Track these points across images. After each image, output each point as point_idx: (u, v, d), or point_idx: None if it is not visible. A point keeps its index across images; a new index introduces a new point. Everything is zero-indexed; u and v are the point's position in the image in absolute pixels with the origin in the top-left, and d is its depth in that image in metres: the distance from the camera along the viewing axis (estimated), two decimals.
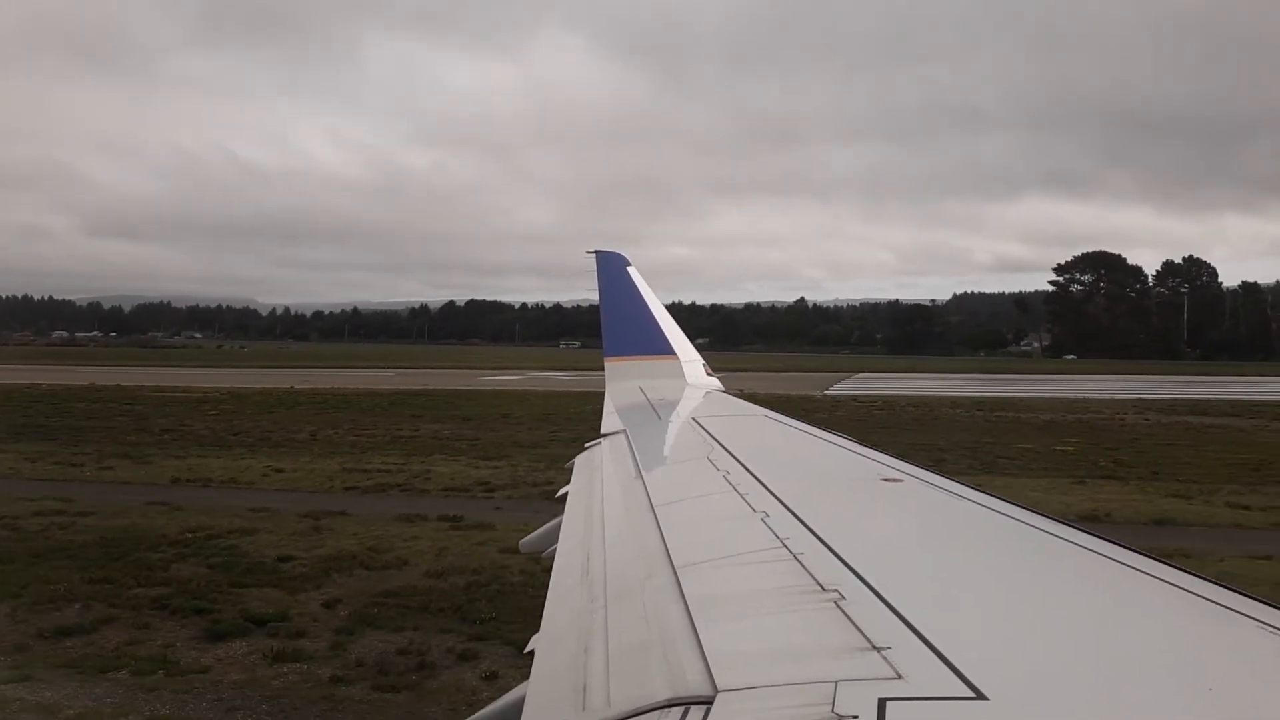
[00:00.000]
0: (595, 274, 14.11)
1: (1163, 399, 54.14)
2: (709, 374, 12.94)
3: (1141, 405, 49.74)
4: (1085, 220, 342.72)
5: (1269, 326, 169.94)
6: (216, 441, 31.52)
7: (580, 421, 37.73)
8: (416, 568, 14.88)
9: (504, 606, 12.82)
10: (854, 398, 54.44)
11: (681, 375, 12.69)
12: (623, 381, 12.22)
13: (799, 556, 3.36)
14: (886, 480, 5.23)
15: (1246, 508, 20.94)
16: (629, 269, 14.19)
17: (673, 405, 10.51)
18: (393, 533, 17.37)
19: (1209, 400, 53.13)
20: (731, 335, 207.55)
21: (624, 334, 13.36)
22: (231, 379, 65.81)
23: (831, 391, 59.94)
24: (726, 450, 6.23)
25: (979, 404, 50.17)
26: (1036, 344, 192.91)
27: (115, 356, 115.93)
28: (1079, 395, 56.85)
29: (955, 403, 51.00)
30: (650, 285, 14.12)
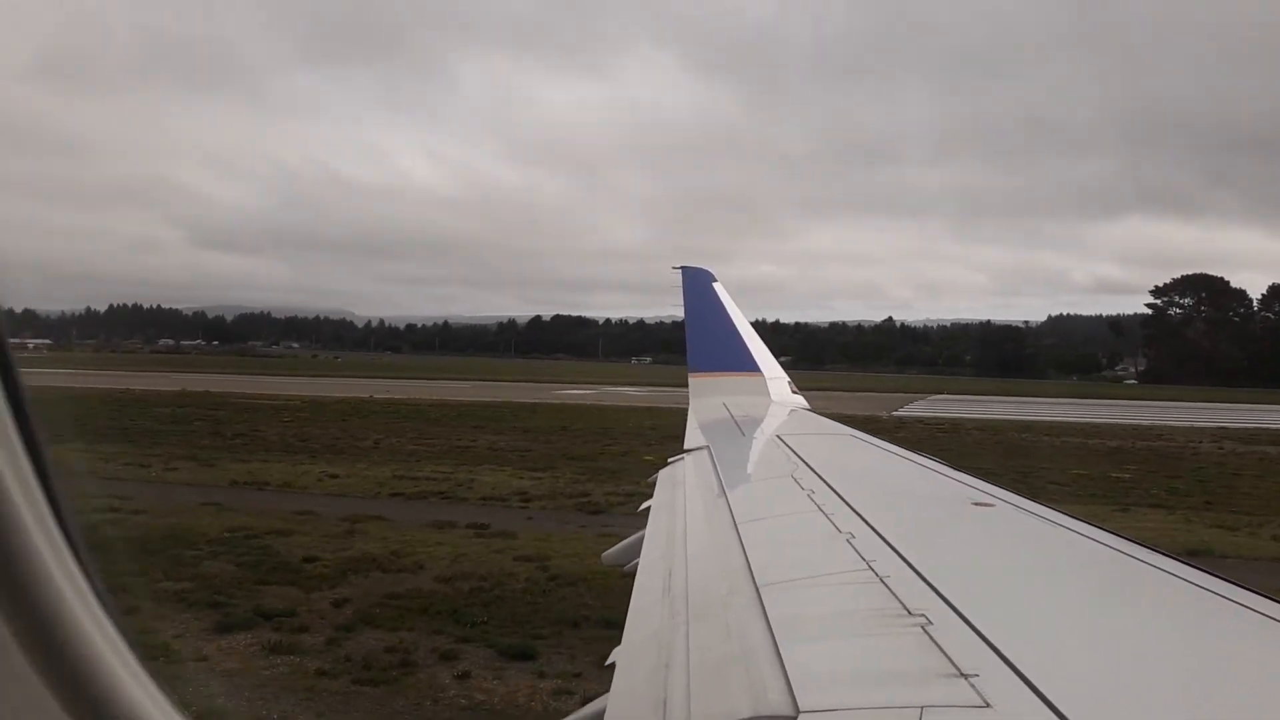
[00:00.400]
0: (681, 290, 14.23)
1: (1249, 428, 52.21)
2: (794, 391, 12.89)
3: (1223, 434, 48.11)
4: (1189, 241, 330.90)
5: None
6: (284, 447, 32.91)
7: (635, 436, 38.40)
8: (430, 572, 15.53)
9: (498, 612, 13.34)
10: (921, 420, 53.84)
11: (766, 392, 12.65)
12: (707, 398, 12.23)
13: (885, 579, 3.31)
14: (977, 504, 5.12)
15: None
16: (715, 285, 14.30)
17: (757, 422, 10.51)
18: (419, 538, 18.08)
19: None
20: (815, 354, 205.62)
21: (709, 350, 13.45)
22: (317, 388, 68.07)
23: (901, 413, 59.28)
24: (812, 469, 6.15)
25: (1049, 429, 49.14)
26: (1132, 369, 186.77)
27: (213, 364, 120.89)
28: (1158, 422, 55.21)
29: (1025, 427, 50.03)
30: (736, 302, 14.16)
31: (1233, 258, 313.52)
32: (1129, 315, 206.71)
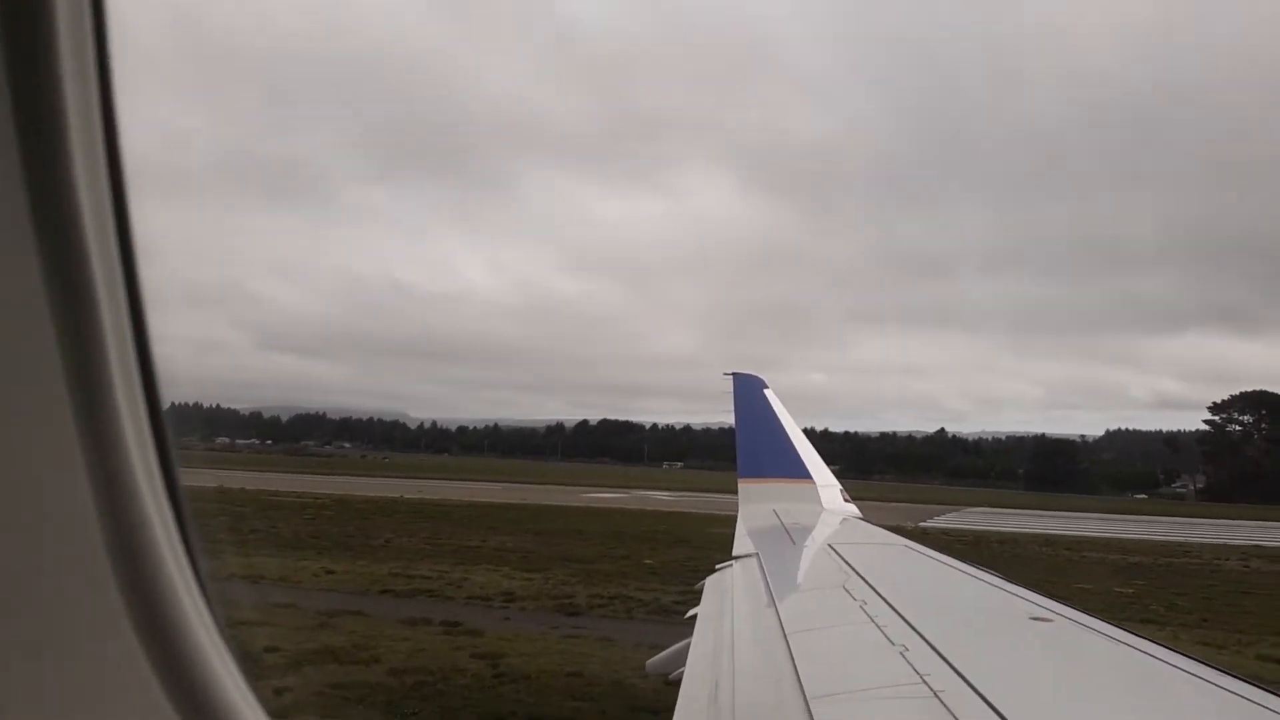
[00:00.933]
0: (731, 396, 14.18)
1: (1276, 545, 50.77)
2: (846, 500, 12.85)
3: (1255, 552, 46.83)
4: (1249, 358, 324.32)
5: None
6: (294, 544, 33.64)
7: (643, 540, 38.67)
8: (383, 665, 15.99)
9: (432, 705, 13.75)
10: (946, 530, 53.16)
11: (818, 500, 12.55)
12: (757, 504, 12.20)
13: (939, 694, 3.24)
14: (1035, 619, 5.00)
15: (1277, 660, 19.95)
16: (766, 391, 14.26)
17: (807, 530, 10.31)
18: (387, 634, 18.56)
19: None
20: (862, 463, 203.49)
21: (759, 455, 13.39)
22: (352, 487, 69.16)
23: (928, 523, 58.56)
24: (863, 579, 6.05)
25: (1073, 543, 48.28)
26: (1190, 486, 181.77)
27: (259, 463, 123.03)
28: (1192, 539, 53.83)
29: (1049, 540, 49.21)
30: (786, 409, 14.11)
31: None
32: (1187, 431, 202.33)
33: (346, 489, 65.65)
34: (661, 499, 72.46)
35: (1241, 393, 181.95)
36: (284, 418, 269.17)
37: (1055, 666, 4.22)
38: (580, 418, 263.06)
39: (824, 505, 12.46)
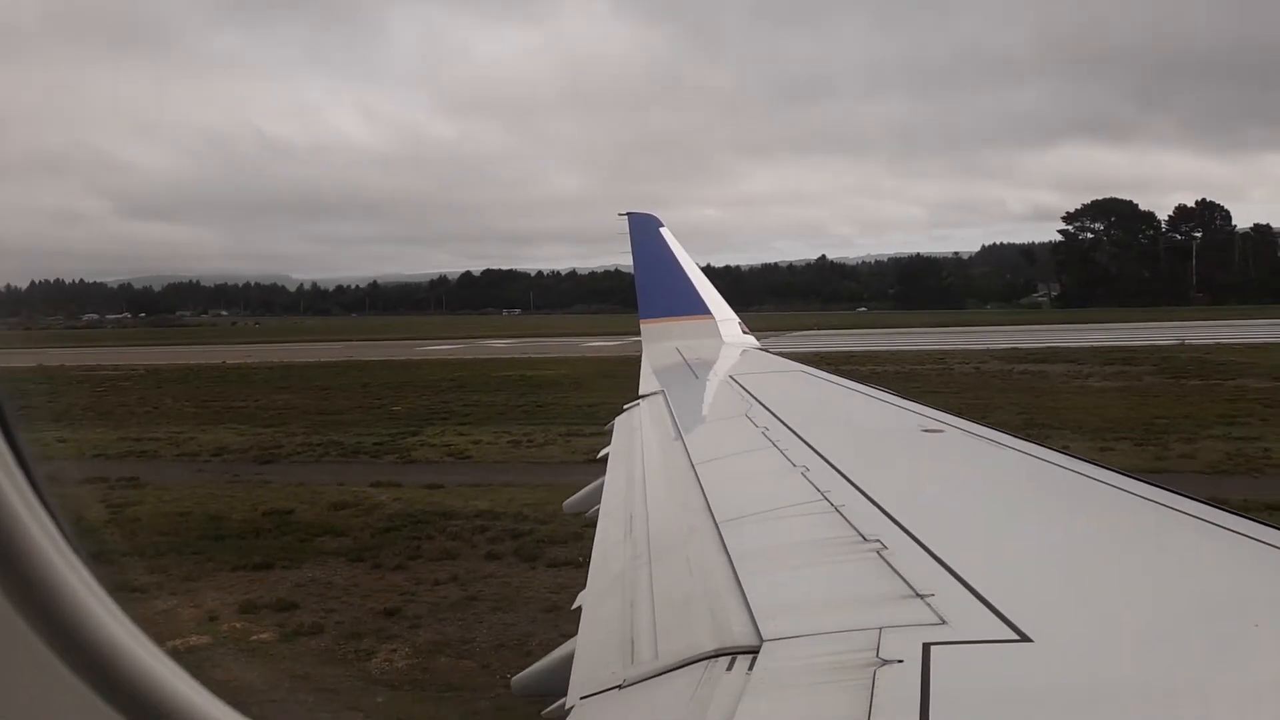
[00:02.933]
0: (628, 237, 14.03)
1: (1046, 348, 54.71)
2: (745, 332, 13.01)
3: (1007, 355, 50.37)
4: (1120, 165, 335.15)
5: (1279, 268, 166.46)
6: (56, 416, 34.20)
7: (419, 389, 40.06)
8: None
9: None
10: None
11: (718, 334, 12.72)
12: (659, 343, 12.39)
13: (840, 509, 3.40)
14: (927, 431, 5.22)
15: None
16: (662, 230, 14.13)
17: (709, 364, 10.52)
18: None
19: (1100, 348, 53.44)
20: (743, 295, 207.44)
21: (658, 295, 13.43)
22: (184, 355, 68.77)
23: None
24: (765, 407, 6.24)
25: (850, 358, 51.31)
26: (1046, 294, 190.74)
27: (120, 337, 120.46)
28: (967, 347, 57.49)
29: (849, 357, 52.28)
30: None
31: (1162, 180, 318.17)
32: (1041, 242, 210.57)
33: (174, 358, 65.32)
34: (496, 346, 73.93)
35: (1093, 201, 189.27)
36: (157, 288, 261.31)
37: (944, 473, 4.46)
38: (469, 269, 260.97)
39: (724, 339, 12.68)
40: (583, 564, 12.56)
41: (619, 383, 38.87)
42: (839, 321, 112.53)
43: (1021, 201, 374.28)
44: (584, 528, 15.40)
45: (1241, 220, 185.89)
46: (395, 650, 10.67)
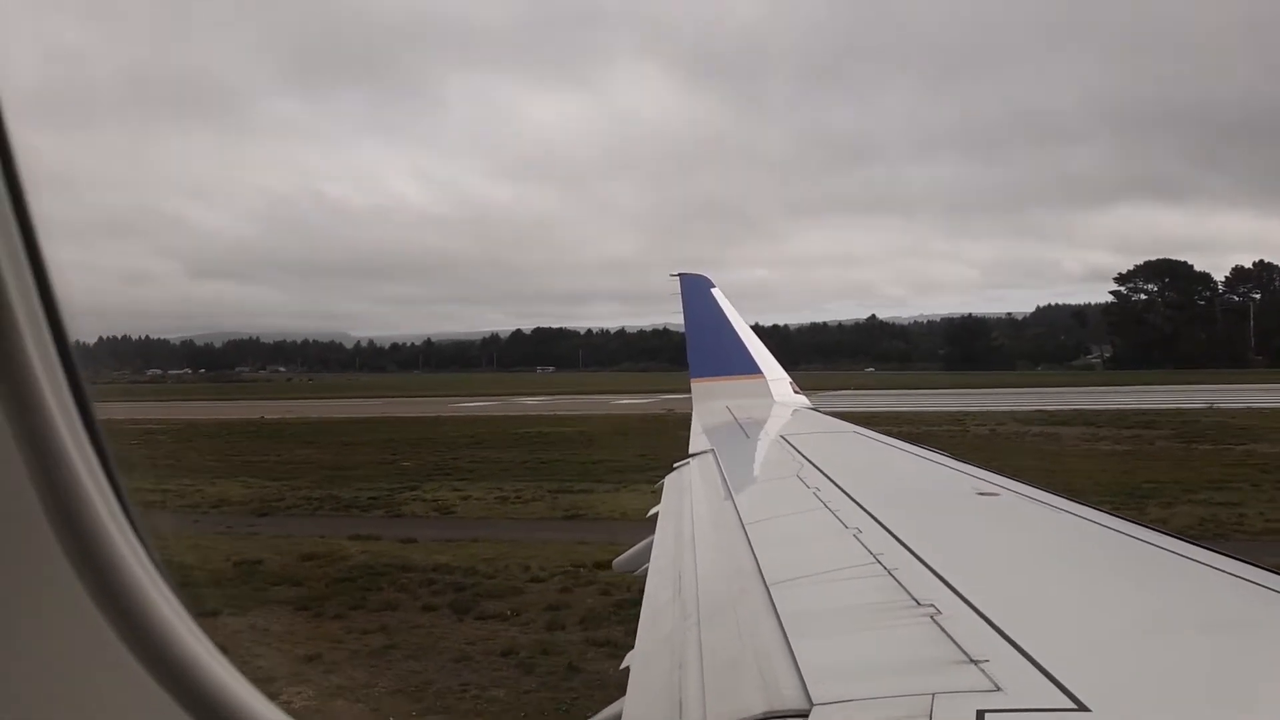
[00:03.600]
0: (679, 297, 14.21)
1: (1074, 409, 54.23)
2: (796, 392, 13.15)
3: (1036, 418, 50.08)
4: (1177, 226, 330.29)
5: None
6: None
7: (439, 446, 40.97)
8: None
9: None
10: None
11: (769, 394, 12.81)
12: (710, 401, 12.45)
13: (893, 572, 3.35)
14: (982, 494, 5.17)
15: None
16: (713, 290, 14.27)
17: (760, 424, 10.56)
18: None
19: (1127, 410, 52.91)
20: (791, 354, 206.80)
21: (709, 355, 13.54)
22: (231, 410, 70.67)
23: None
24: (816, 467, 6.25)
25: (871, 418, 51.27)
26: (1100, 357, 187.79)
27: (175, 392, 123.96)
28: (993, 409, 57.16)
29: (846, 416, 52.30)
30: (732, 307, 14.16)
31: (1221, 241, 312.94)
32: (1095, 304, 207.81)
33: (215, 412, 67.16)
34: (529, 404, 75.04)
35: (1146, 262, 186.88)
36: (218, 344, 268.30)
37: (999, 537, 4.41)
38: (520, 327, 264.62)
39: (775, 398, 12.72)
40: (510, 617, 13.08)
41: (631, 439, 39.82)
42: (876, 382, 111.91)
43: (1078, 262, 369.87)
44: (528, 582, 16.11)
45: None
46: (300, 692, 11.32)
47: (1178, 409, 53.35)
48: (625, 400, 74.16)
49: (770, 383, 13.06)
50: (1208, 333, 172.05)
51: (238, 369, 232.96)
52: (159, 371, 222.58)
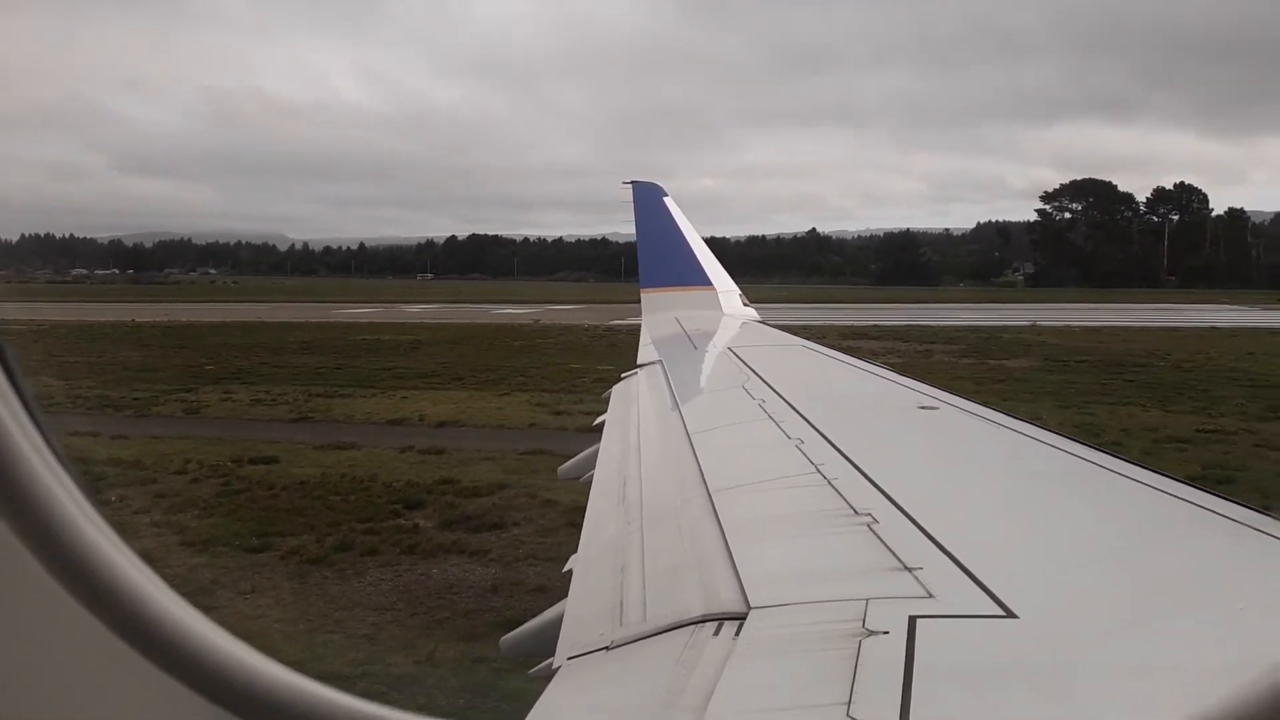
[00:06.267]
0: (630, 205, 13.98)
1: (911, 325, 56.46)
2: (745, 304, 13.14)
3: (854, 333, 51.96)
4: (1123, 144, 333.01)
5: (1249, 254, 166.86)
6: None
7: (267, 351, 42.15)
8: None
9: None
10: (618, 328, 57.74)
11: (718, 306, 12.82)
12: (659, 313, 12.42)
13: (833, 481, 3.43)
14: (923, 408, 5.23)
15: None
16: (665, 200, 14.07)
17: (708, 336, 10.61)
18: None
19: (960, 328, 55.09)
20: (727, 267, 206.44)
21: (660, 265, 13.45)
22: (105, 312, 70.75)
23: (625, 321, 63.05)
24: (762, 379, 6.31)
25: None
26: (1020, 273, 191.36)
27: (91, 294, 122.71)
28: (843, 323, 59.07)
29: None
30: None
31: (1163, 160, 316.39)
32: (1019, 221, 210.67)
33: (99, 314, 67.02)
34: (409, 310, 76.08)
35: (1072, 181, 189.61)
36: (148, 245, 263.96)
37: (938, 450, 4.50)
38: (468, 233, 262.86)
39: (724, 310, 12.74)
40: (112, 503, 14.76)
41: (460, 348, 41.13)
42: (770, 295, 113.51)
43: (1023, 178, 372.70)
44: (172, 474, 17.76)
45: (1249, 204, 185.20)
46: None
47: (1004, 325, 55.89)
48: (508, 310, 75.39)
49: (720, 295, 13.12)
50: (1125, 253, 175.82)
51: (167, 270, 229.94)
52: (84, 271, 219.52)
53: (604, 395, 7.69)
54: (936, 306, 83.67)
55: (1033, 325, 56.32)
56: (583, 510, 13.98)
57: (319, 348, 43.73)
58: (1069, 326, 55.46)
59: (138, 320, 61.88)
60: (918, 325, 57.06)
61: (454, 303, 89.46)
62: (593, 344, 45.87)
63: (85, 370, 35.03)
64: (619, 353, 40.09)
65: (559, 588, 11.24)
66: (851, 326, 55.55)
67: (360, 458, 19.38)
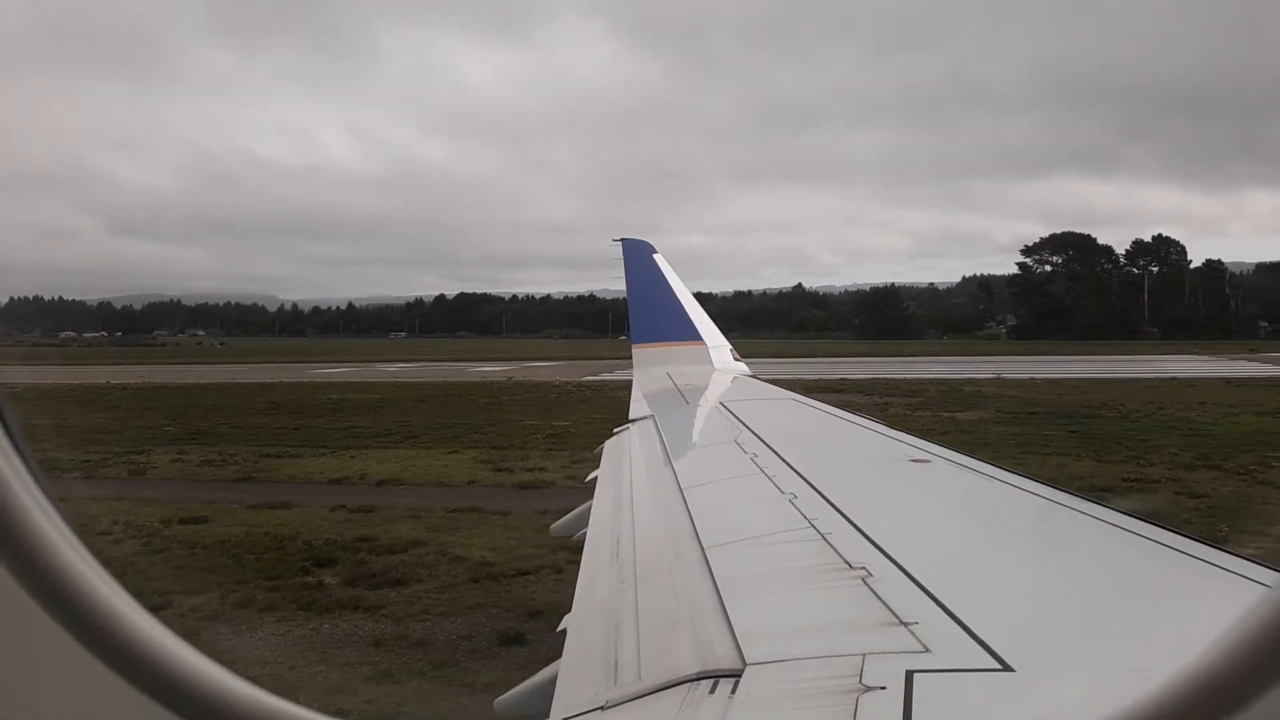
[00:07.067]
0: (621, 262, 14.30)
1: (863, 380, 56.98)
2: (736, 359, 13.43)
3: (808, 385, 52.67)
4: (1106, 199, 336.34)
5: (1227, 304, 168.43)
6: None
7: (233, 412, 42.44)
8: None
9: None
10: (589, 385, 58.24)
11: (709, 361, 13.08)
12: (651, 368, 12.64)
13: (826, 536, 3.43)
14: (914, 461, 5.31)
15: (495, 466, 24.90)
16: (655, 256, 14.36)
17: (700, 390, 10.86)
18: None
19: (920, 380, 55.62)
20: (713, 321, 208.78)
21: (651, 321, 13.71)
22: (89, 375, 70.83)
23: (598, 377, 63.59)
24: (754, 434, 6.36)
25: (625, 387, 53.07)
26: (1004, 327, 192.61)
27: (75, 356, 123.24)
28: (812, 375, 59.66)
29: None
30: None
31: (1143, 214, 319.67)
32: (999, 275, 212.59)
33: (78, 378, 67.20)
34: (386, 369, 76.51)
35: (1051, 235, 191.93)
36: (137, 306, 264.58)
37: (930, 503, 4.54)
38: (456, 291, 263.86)
39: (715, 365, 12.97)
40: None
41: (425, 406, 41.49)
42: (751, 350, 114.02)
43: (1007, 233, 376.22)
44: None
45: (1228, 255, 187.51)
46: None
47: (970, 378, 56.48)
48: (485, 368, 75.88)
49: (711, 350, 13.39)
50: (1105, 305, 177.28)
51: (156, 332, 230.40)
52: (72, 334, 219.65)
53: (595, 451, 7.69)
54: (911, 360, 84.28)
55: (997, 377, 56.90)
56: (488, 568, 14.24)
57: (284, 408, 44.05)
58: (1033, 379, 56.02)
59: (112, 382, 62.12)
60: (883, 379, 57.56)
61: (435, 361, 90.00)
62: (558, 401, 46.19)
63: (44, 433, 35.20)
64: (581, 409, 40.89)
65: (442, 641, 11.50)
66: (820, 380, 55.96)
67: (290, 517, 19.68)
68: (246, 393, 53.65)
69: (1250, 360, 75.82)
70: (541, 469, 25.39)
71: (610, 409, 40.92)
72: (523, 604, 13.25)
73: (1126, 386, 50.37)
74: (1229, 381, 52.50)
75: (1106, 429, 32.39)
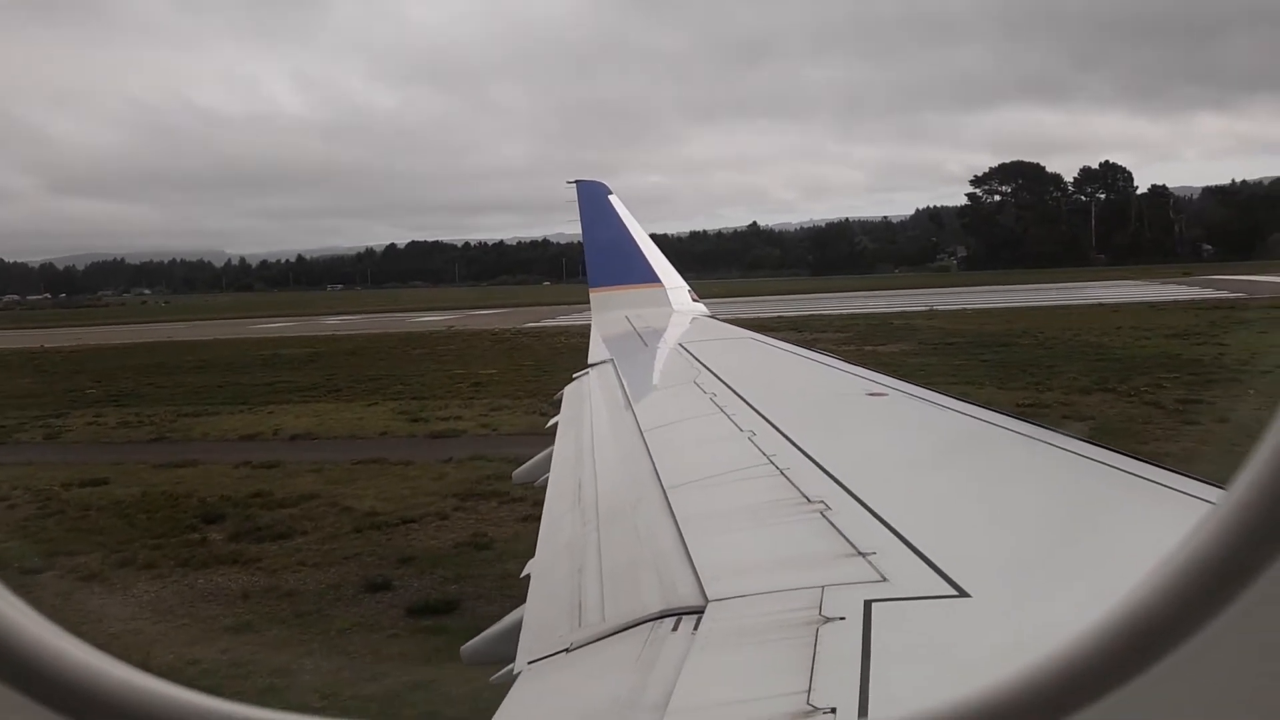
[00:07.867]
0: (575, 205, 14.07)
1: (793, 317, 57.66)
2: (694, 299, 13.27)
3: (769, 325, 53.18)
4: (1057, 127, 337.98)
5: (1171, 229, 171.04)
6: None
7: (161, 372, 42.02)
8: None
9: None
10: (527, 331, 58.24)
11: (668, 302, 12.90)
12: (609, 312, 12.52)
13: (785, 471, 3.48)
14: (871, 395, 5.38)
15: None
16: (610, 198, 14.07)
17: (659, 333, 10.77)
18: None
19: (853, 315, 56.38)
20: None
21: (608, 264, 13.53)
22: (23, 340, 69.86)
23: (540, 324, 63.43)
24: (713, 373, 6.40)
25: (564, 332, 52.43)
26: (954, 257, 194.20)
27: (15, 320, 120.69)
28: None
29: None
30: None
31: (1094, 141, 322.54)
32: (950, 206, 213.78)
33: (17, 342, 66.09)
34: (326, 322, 75.89)
35: (1000, 164, 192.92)
36: (80, 267, 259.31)
37: (888, 435, 4.59)
38: (408, 240, 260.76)
39: (674, 306, 12.78)
40: None
41: (358, 359, 41.32)
42: (703, 291, 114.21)
43: (960, 164, 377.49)
44: None
45: (1178, 180, 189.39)
46: None
47: (903, 311, 57.29)
48: (428, 317, 75.51)
49: (669, 291, 13.19)
50: (1054, 233, 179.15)
51: (100, 293, 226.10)
52: (16, 297, 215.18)
53: (555, 397, 7.70)
54: (851, 295, 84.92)
55: (928, 310, 57.71)
56: (373, 518, 14.42)
57: (214, 365, 43.76)
58: (964, 310, 56.91)
59: (45, 346, 61.21)
60: (817, 315, 58.18)
61: (379, 312, 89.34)
62: (491, 349, 46.32)
63: None
64: (513, 356, 41.08)
65: (310, 592, 11.78)
66: (757, 318, 56.41)
67: (191, 475, 19.82)
68: (178, 351, 53.10)
69: (1180, 284, 77.21)
70: (458, 418, 25.59)
71: (543, 355, 41.35)
72: (400, 552, 13.60)
73: (1051, 314, 51.39)
74: (1153, 306, 53.65)
75: (1017, 357, 33.15)
